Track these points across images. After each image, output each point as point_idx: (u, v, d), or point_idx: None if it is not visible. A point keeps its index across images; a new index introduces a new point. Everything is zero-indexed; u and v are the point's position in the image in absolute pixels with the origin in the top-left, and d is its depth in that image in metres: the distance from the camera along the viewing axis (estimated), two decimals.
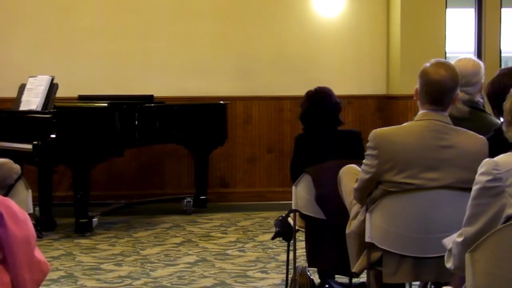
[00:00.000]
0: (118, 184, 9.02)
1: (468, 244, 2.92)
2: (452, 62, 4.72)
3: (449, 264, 3.06)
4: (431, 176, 3.71)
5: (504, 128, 3.07)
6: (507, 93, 3.80)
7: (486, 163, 2.92)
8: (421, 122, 3.80)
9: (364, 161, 3.86)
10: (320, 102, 5.04)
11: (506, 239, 2.84)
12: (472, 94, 4.57)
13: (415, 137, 3.76)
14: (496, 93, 3.88)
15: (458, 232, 3.03)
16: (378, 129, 3.84)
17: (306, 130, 5.11)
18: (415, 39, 9.10)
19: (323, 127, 5.00)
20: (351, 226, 4.01)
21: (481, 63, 4.70)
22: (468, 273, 2.90)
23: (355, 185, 3.95)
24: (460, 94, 4.47)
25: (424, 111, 3.81)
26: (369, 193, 3.89)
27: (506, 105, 3.05)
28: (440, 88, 3.77)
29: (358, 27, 9.48)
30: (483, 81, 4.65)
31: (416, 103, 3.92)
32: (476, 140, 3.79)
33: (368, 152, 3.82)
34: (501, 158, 2.93)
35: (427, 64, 3.85)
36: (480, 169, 2.93)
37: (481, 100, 4.68)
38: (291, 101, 9.21)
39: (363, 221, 3.89)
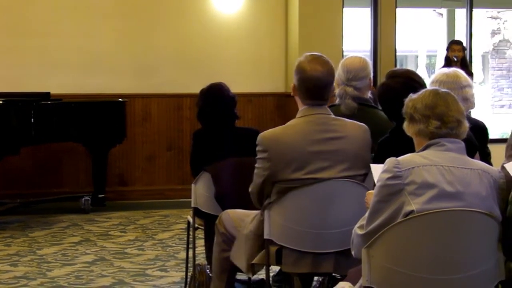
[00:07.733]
0: (14, 183, 8.81)
1: (367, 239, 2.99)
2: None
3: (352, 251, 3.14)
4: (324, 165, 3.81)
5: (405, 126, 3.16)
6: (392, 95, 3.99)
7: (389, 161, 3.00)
8: (305, 118, 3.93)
9: (256, 165, 3.93)
10: (214, 98, 5.07)
11: (401, 235, 2.91)
12: (361, 90, 4.71)
13: (302, 134, 3.87)
14: (382, 95, 4.04)
15: (360, 223, 3.09)
16: (265, 132, 3.94)
17: (204, 128, 5.12)
18: (313, 37, 9.19)
19: (220, 123, 5.02)
20: (250, 227, 4.03)
21: (368, 61, 4.89)
22: (364, 268, 2.96)
23: (251, 189, 4.00)
24: (348, 89, 4.60)
25: (305, 107, 3.95)
26: (266, 195, 3.94)
27: (408, 104, 3.15)
28: (319, 84, 3.90)
29: (258, 25, 9.53)
30: (371, 77, 4.79)
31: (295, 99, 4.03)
32: (358, 127, 3.95)
33: (259, 156, 3.90)
34: (404, 157, 3.02)
35: (302, 59, 3.99)
36: (383, 167, 3.01)
37: (371, 96, 4.81)
38: (191, 99, 9.17)
39: (262, 221, 3.92)
